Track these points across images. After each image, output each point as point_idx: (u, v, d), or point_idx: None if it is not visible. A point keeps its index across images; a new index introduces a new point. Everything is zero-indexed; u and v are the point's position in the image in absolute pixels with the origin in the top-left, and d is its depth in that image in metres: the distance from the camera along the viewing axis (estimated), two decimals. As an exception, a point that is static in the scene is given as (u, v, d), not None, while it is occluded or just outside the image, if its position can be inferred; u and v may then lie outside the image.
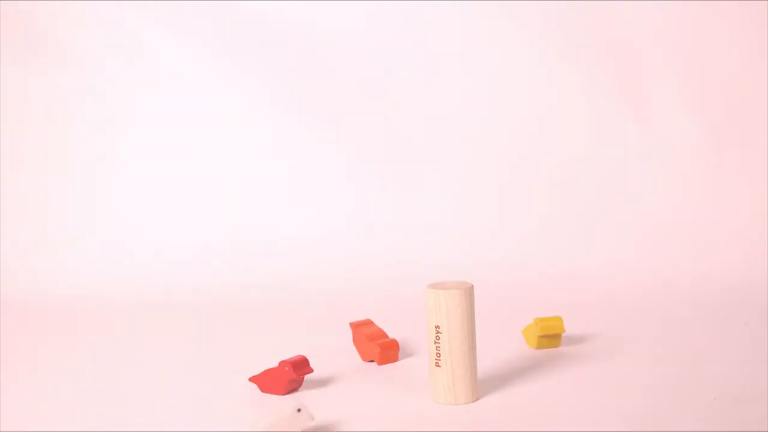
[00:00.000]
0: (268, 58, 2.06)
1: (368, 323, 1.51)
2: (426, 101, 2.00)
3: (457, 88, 1.99)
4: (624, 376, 1.40)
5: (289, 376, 1.36)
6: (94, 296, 1.84)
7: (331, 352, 1.52)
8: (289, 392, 1.38)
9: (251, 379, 1.39)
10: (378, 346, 1.46)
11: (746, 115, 1.99)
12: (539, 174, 1.97)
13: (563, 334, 1.54)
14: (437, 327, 1.32)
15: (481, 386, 1.37)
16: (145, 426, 1.30)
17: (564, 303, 1.62)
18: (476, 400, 1.34)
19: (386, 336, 1.50)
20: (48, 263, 1.93)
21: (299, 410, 1.25)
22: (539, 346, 1.50)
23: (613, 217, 1.92)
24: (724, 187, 1.95)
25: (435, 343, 1.33)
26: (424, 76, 2.02)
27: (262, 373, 1.38)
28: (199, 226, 1.98)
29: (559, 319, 1.49)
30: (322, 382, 1.41)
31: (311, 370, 1.38)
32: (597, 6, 2.02)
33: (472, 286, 1.32)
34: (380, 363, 1.47)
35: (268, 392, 1.37)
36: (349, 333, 1.57)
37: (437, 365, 1.33)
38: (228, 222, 1.99)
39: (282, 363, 1.36)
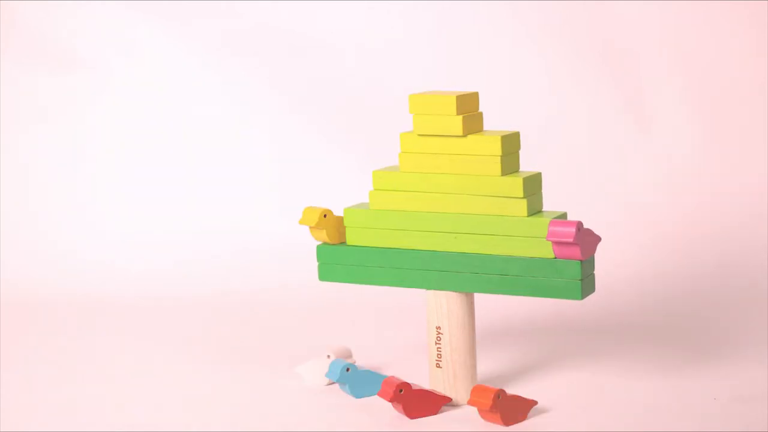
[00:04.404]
0: (271, 62, 2.06)
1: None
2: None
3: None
4: (623, 376, 1.40)
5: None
6: (97, 296, 1.84)
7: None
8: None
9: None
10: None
11: (746, 117, 1.99)
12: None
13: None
14: (438, 328, 1.32)
15: (481, 387, 1.37)
16: (144, 426, 1.31)
17: (564, 303, 1.62)
18: (477, 401, 1.34)
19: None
20: (44, 264, 1.93)
21: (328, 356, 1.39)
22: None
23: (613, 218, 1.93)
24: (724, 187, 1.95)
25: (436, 344, 1.33)
26: (424, 80, 2.02)
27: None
28: (200, 228, 1.99)
29: None
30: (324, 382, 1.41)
31: None
32: (597, 8, 2.02)
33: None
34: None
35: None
36: (349, 334, 1.58)
37: (438, 366, 1.33)
38: (228, 224, 1.99)
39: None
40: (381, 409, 1.32)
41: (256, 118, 2.06)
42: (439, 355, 1.33)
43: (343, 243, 1.37)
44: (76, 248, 1.95)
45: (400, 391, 1.28)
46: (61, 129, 2.07)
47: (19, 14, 2.07)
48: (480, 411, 1.27)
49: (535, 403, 1.29)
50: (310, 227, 1.36)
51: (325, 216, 1.35)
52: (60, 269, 1.91)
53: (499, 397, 1.26)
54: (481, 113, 1.33)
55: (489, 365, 1.45)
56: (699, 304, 1.67)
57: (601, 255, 1.52)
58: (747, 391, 1.33)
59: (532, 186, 1.30)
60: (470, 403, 1.27)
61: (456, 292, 1.32)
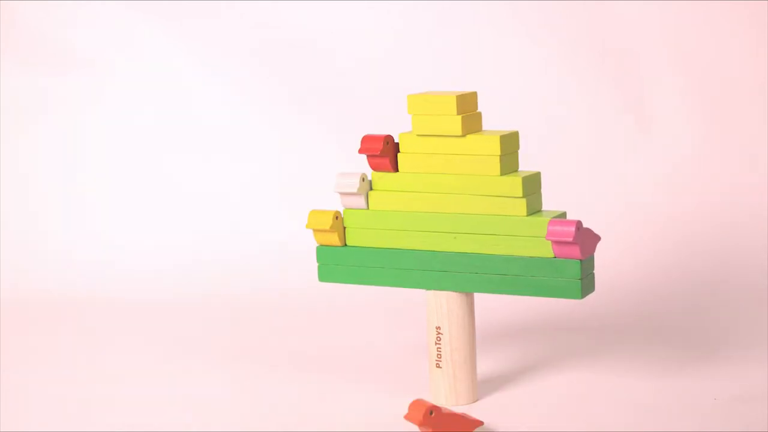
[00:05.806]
0: (271, 62, 2.06)
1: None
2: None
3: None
4: (623, 376, 1.40)
5: None
6: (97, 296, 1.84)
7: (333, 352, 1.52)
8: None
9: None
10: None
11: (746, 117, 1.99)
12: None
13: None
14: (438, 328, 1.32)
15: (481, 387, 1.37)
16: (144, 426, 1.31)
17: (565, 303, 1.62)
18: (476, 401, 1.34)
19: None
20: (44, 264, 1.93)
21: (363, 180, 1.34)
22: None
23: (613, 218, 1.92)
24: (724, 187, 1.95)
25: (436, 344, 1.33)
26: (423, 80, 2.01)
27: None
28: (200, 228, 1.99)
29: None
30: (324, 383, 1.41)
31: None
32: (597, 8, 2.02)
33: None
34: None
35: None
36: (349, 334, 1.58)
37: (438, 366, 1.33)
38: (228, 224, 1.99)
39: None
40: (381, 409, 1.33)
41: (255, 119, 2.06)
42: (439, 355, 1.33)
43: (344, 244, 1.37)
44: (76, 248, 1.95)
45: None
46: (61, 129, 2.07)
47: (19, 14, 2.07)
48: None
49: (480, 423, 1.24)
50: (321, 230, 1.36)
51: (336, 218, 1.35)
52: (60, 269, 1.91)
53: (431, 413, 1.20)
54: (479, 113, 1.33)
55: (489, 365, 1.45)
56: (699, 303, 1.67)
57: (600, 254, 1.52)
58: (747, 391, 1.33)
59: (532, 185, 1.30)
60: (405, 417, 1.21)
61: (456, 292, 1.32)
